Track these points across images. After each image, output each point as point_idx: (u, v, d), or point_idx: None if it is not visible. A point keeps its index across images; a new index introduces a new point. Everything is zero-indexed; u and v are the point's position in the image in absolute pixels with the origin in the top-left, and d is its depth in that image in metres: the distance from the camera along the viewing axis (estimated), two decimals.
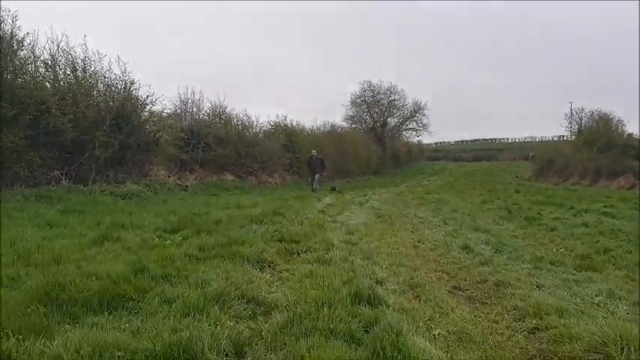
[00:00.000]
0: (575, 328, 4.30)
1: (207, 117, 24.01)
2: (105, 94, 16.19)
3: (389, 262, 6.78)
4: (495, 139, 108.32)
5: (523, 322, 4.66)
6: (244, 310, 4.50)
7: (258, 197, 16.65)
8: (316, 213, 12.28)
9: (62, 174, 13.45)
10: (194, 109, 22.73)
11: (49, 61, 14.49)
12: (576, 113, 52.56)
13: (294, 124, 31.12)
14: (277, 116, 30.54)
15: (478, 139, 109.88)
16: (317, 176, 23.98)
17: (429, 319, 4.58)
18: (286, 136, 29.38)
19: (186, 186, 18.12)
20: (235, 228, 8.45)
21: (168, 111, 21.21)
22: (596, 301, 5.21)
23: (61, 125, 13.01)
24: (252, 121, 26.84)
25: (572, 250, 8.12)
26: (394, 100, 54.82)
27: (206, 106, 24.16)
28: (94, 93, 15.55)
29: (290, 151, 28.61)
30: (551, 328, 4.41)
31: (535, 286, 5.77)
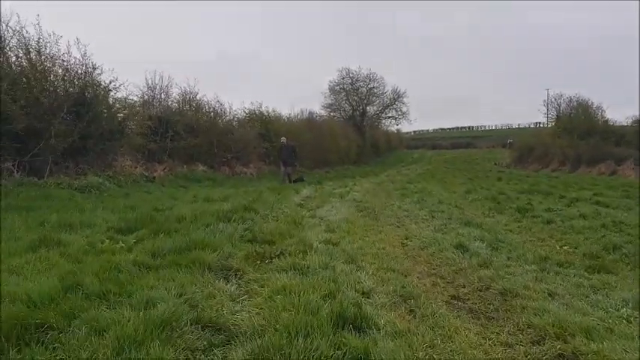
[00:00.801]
0: (611, 355, 3.46)
1: (176, 104, 22.83)
2: (63, 79, 14.97)
3: (376, 265, 5.87)
4: (473, 127, 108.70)
5: (543, 345, 3.81)
6: (198, 339, 3.56)
7: (230, 189, 15.63)
8: (294, 207, 11.33)
9: (14, 166, 12.27)
10: (162, 96, 21.56)
11: None
12: (555, 99, 52.15)
13: (270, 111, 30.04)
14: (252, 103, 29.49)
15: (456, 127, 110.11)
16: (288, 168, 21.49)
17: (429, 346, 3.69)
18: (262, 125, 28.28)
19: (154, 177, 17.02)
20: (200, 227, 7.46)
21: (135, 98, 20.03)
22: (624, 315, 4.37)
23: (10, 112, 11.82)
24: (225, 109, 25.75)
25: (576, 248, 7.29)
26: (373, 87, 53.84)
27: (175, 93, 22.99)
28: (51, 78, 14.29)
29: (266, 140, 27.52)
30: (582, 355, 3.56)
31: (547, 295, 4.92)
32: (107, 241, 6.38)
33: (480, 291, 5.17)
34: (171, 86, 22.12)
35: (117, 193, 12.54)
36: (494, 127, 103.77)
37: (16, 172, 12.22)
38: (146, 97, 21.37)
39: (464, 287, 5.31)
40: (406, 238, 7.94)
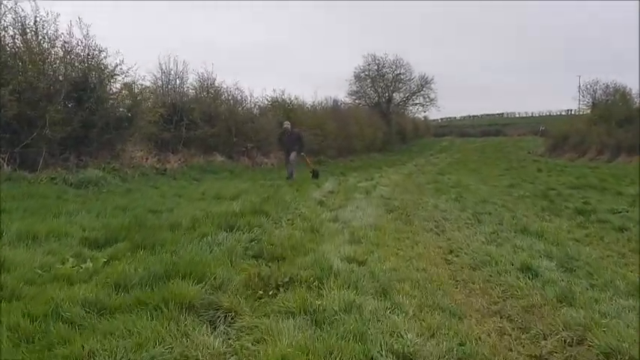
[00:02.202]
0: None
1: (193, 90, 21.42)
2: (64, 62, 13.67)
3: (417, 301, 4.33)
4: (502, 114, 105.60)
5: None
6: None
7: (247, 182, 14.20)
8: (313, 206, 9.85)
9: (4, 158, 10.99)
10: (177, 82, 20.12)
11: None
12: (590, 86, 49.59)
13: (293, 99, 28.49)
14: (274, 91, 27.96)
15: (485, 114, 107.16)
16: (293, 157, 17.19)
17: None
18: (284, 113, 26.74)
19: (165, 170, 15.67)
20: (195, 238, 6.03)
21: (148, 83, 18.66)
22: None
23: None
24: (246, 96, 24.29)
25: None
26: (400, 74, 51.88)
27: (192, 78, 21.59)
28: (50, 60, 12.97)
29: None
30: None
31: None
32: (70, 260, 4.96)
33: (571, 346, 3.62)
34: (187, 72, 20.68)
35: (117, 189, 11.19)
36: (523, 115, 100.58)
37: (5, 164, 10.94)
38: (159, 82, 19.97)
39: (545, 339, 3.75)
40: (450, 252, 6.39)
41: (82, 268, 4.76)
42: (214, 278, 4.42)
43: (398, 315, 3.93)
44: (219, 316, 3.82)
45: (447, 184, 15.01)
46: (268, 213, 7.97)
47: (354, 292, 4.22)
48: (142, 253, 5.23)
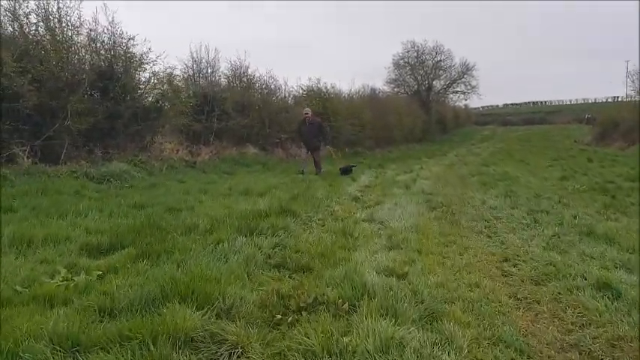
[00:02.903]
0: None
1: (225, 80, 20.76)
2: (90, 50, 13.15)
3: (472, 331, 3.46)
4: (545, 102, 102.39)
5: None
6: None
7: (278, 177, 13.46)
8: (347, 203, 9.02)
9: (24, 151, 10.49)
10: (209, 71, 19.46)
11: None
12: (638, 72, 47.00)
13: (329, 87, 27.53)
14: (309, 80, 27.07)
15: (527, 102, 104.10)
16: (314, 153, 15.17)
17: None
18: (320, 102, 25.86)
19: (195, 162, 15.03)
20: (210, 244, 5.27)
21: (178, 72, 18.06)
22: None
23: (15, 87, 10.00)
24: (280, 85, 23.48)
25: None
26: (440, 60, 50.29)
27: (223, 67, 20.90)
28: (73, 48, 12.43)
29: (324, 118, 25.12)
30: None
31: None
32: (62, 272, 4.25)
33: None
34: (218, 60, 20.01)
35: (140, 184, 10.56)
36: (568, 102, 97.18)
37: (25, 158, 10.43)
38: (191, 71, 19.36)
39: None
40: (506, 260, 5.46)
41: (72, 282, 4.05)
42: (224, 299, 3.64)
43: (449, 353, 3.08)
44: (222, 354, 3.04)
45: (493, 177, 13.93)
46: (296, 212, 7.16)
47: (393, 321, 3.36)
48: (144, 263, 4.50)
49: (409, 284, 4.33)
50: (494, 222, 7.53)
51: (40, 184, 8.62)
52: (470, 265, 5.19)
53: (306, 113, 15.43)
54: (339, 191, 10.38)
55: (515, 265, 5.27)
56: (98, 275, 4.23)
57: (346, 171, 14.74)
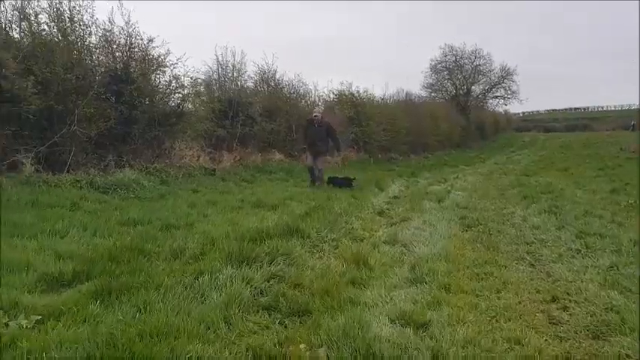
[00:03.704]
0: None
1: (251, 83, 19.98)
2: (103, 51, 12.53)
3: None
4: (588, 108, 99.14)
5: None
6: None
7: (300, 185, 12.59)
8: (370, 218, 8.07)
9: (26, 158, 9.83)
10: (234, 74, 18.67)
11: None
12: None
13: (361, 92, 26.49)
14: (341, 84, 26.09)
15: (570, 108, 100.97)
16: (319, 159, 13.03)
17: None
18: (352, 107, 24.88)
19: (214, 170, 14.24)
20: (190, 275, 4.39)
21: (202, 76, 17.37)
22: None
23: (17, 90, 9.37)
24: (309, 89, 22.60)
25: None
26: (479, 65, 48.91)
27: (250, 70, 20.14)
28: (83, 49, 11.80)
29: (355, 124, 24.14)
30: None
31: None
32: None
33: None
34: (245, 63, 19.19)
35: (148, 194, 9.79)
36: (612, 108, 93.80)
37: (29, 165, 9.78)
38: (215, 75, 18.62)
39: None
40: (554, 301, 4.42)
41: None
42: None
43: None
44: None
45: (535, 188, 12.72)
46: (305, 232, 6.22)
47: None
48: (98, 305, 3.63)
49: (430, 339, 3.35)
50: (538, 246, 6.44)
51: (31, 196, 7.89)
52: (509, 308, 4.17)
53: (316, 114, 13.49)
54: (363, 203, 9.42)
55: (565, 309, 4.23)
56: (36, 321, 3.38)
57: (340, 183, 12.38)
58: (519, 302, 4.34)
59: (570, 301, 4.39)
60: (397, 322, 3.66)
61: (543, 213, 8.73)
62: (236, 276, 4.34)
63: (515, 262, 5.69)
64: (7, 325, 3.33)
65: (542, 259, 5.83)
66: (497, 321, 3.88)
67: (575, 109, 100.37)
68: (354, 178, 12.78)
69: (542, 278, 5.09)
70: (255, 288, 4.23)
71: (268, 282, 4.45)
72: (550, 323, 3.95)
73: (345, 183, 12.37)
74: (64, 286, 4.23)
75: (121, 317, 3.36)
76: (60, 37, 11.37)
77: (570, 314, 4.11)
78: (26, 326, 3.32)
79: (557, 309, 4.23)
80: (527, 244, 6.56)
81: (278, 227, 6.21)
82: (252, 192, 10.73)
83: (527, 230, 7.42)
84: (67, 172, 10.35)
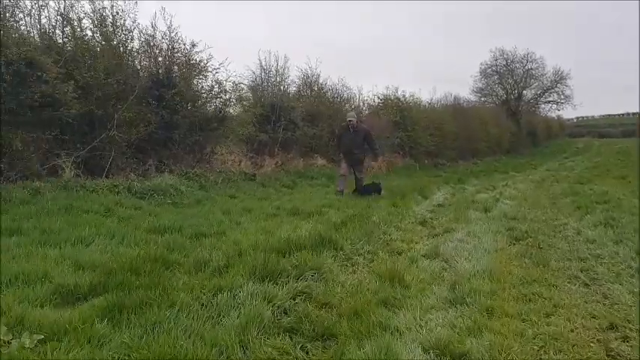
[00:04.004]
0: None
1: (294, 88, 19.79)
2: (147, 56, 12.56)
3: None
4: None
5: None
6: None
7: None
8: (411, 228, 7.66)
9: (65, 162, 9.85)
10: (277, 79, 18.49)
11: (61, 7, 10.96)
12: None
13: (407, 96, 25.93)
14: (387, 88, 25.66)
15: (627, 113, 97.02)
16: (357, 167, 12.01)
17: None
18: (398, 111, 24.37)
19: (254, 175, 14.06)
20: (209, 292, 4.11)
21: (246, 81, 17.29)
22: None
23: (57, 94, 9.38)
24: (354, 94, 22.30)
25: None
26: (531, 69, 47.40)
27: (293, 75, 19.98)
28: (125, 54, 11.82)
29: (401, 129, 23.62)
30: None
31: None
32: (2, 331, 3.22)
33: None
34: (288, 68, 18.99)
35: (185, 200, 9.63)
36: None
37: (68, 170, 9.79)
38: (258, 80, 18.50)
39: None
40: (611, 328, 3.94)
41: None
42: None
43: None
44: None
45: (590, 197, 11.97)
46: (338, 243, 5.86)
47: None
48: (105, 324, 3.39)
49: None
50: (593, 263, 5.89)
51: (67, 201, 7.82)
52: (560, 336, 3.71)
53: (350, 119, 12.16)
54: (404, 212, 9.00)
55: (625, 339, 3.74)
56: (39, 341, 3.15)
57: (367, 191, 11.54)
58: (572, 330, 3.87)
59: (630, 329, 3.90)
60: (431, 351, 3.28)
61: (599, 225, 8.10)
62: (258, 293, 4.03)
63: (568, 281, 5.18)
64: (9, 343, 3.13)
65: (598, 278, 5.30)
66: (545, 352, 3.44)
67: (633, 113, 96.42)
68: (380, 183, 12.15)
69: (597, 301, 4.59)
70: (278, 307, 3.92)
71: (294, 300, 4.14)
72: (608, 356, 3.48)
73: (372, 189, 11.64)
74: (80, 300, 4.02)
75: (126, 339, 3.10)
76: (103, 42, 11.43)
77: (631, 346, 3.63)
78: (29, 346, 3.10)
79: (616, 339, 3.75)
80: (581, 260, 6.01)
81: (310, 238, 5.88)
82: (290, 198, 10.47)
83: (581, 244, 6.85)
84: (106, 176, 10.35)
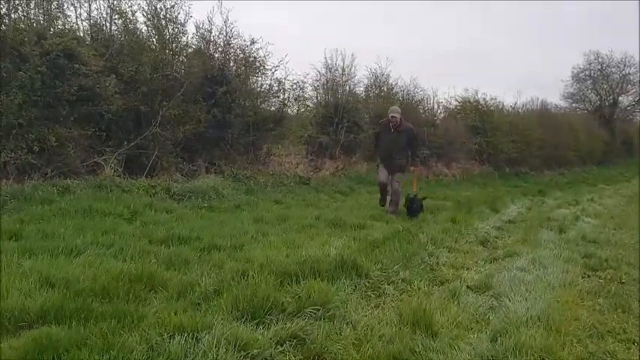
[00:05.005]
0: None
1: (362, 89, 18.82)
2: (202, 52, 12.09)
3: None
4: None
5: None
6: None
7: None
8: (467, 249, 6.58)
9: (106, 160, 9.43)
10: (343, 79, 17.56)
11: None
12: None
13: (488, 99, 24.28)
14: (466, 90, 24.21)
15: None
16: (396, 175, 9.28)
17: None
18: (477, 116, 22.84)
19: (308, 179, 13.25)
20: (167, 333, 3.27)
21: (310, 80, 16.53)
22: None
23: (98, 88, 8.97)
24: (427, 95, 21.03)
25: None
26: (629, 74, 43.94)
27: (360, 74, 19.02)
28: (177, 49, 11.36)
29: (480, 134, 22.11)
30: None
31: None
32: None
33: None
34: (355, 67, 17.94)
35: (222, 204, 8.95)
36: None
37: (108, 168, 9.36)
38: (323, 79, 17.65)
39: None
40: None
41: None
42: None
43: None
44: None
45: None
46: (362, 268, 4.84)
47: None
48: None
49: None
50: None
51: (88, 202, 7.29)
52: None
53: (393, 115, 9.27)
54: (463, 229, 7.85)
55: None
56: None
57: (414, 210, 8.99)
58: None
59: None
60: None
61: None
62: (229, 337, 3.13)
63: None
64: None
65: None
66: None
67: None
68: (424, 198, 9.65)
69: None
70: (253, 359, 3.01)
71: (281, 346, 3.22)
72: None
73: (419, 206, 9.19)
74: (22, 328, 3.31)
75: None
76: (157, 36, 11.03)
77: None
78: None
79: None
80: None
81: (328, 260, 4.91)
82: (338, 207, 9.59)
83: None
84: (147, 176, 9.87)
